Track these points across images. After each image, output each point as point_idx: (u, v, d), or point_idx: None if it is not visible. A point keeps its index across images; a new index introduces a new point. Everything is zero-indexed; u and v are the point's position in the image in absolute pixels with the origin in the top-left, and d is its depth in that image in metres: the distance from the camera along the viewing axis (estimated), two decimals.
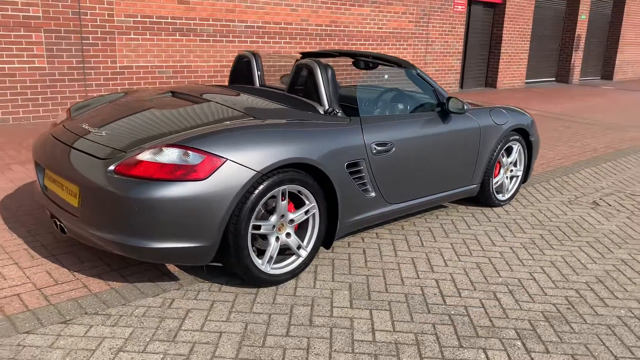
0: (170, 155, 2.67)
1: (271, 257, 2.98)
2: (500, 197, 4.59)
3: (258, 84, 3.99)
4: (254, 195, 2.78)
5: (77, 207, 2.81)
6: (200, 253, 2.75)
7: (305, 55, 4.61)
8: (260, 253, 3.01)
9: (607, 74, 17.92)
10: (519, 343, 2.60)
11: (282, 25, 9.16)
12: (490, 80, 13.73)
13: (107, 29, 7.35)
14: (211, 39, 8.39)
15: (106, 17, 7.30)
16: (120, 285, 2.96)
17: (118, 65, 7.56)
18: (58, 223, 3.00)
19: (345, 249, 3.57)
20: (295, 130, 3.03)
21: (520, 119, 4.56)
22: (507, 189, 4.68)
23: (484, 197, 4.47)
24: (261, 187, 2.80)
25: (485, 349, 2.53)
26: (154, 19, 7.70)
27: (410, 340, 2.57)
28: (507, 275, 3.33)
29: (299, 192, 3.03)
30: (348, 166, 3.24)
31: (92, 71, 7.35)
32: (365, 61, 4.15)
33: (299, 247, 3.09)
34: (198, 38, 8.24)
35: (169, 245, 2.67)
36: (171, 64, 8.04)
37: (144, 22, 7.63)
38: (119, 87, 7.65)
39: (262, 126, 2.94)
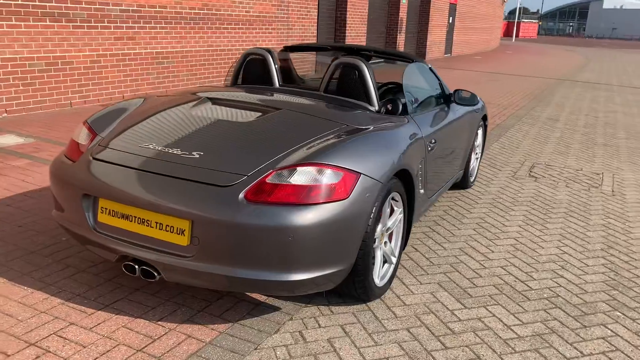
0: (307, 175, 2.38)
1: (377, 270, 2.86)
2: (471, 179, 4.95)
3: (278, 84, 3.67)
4: (376, 207, 2.63)
5: (186, 246, 2.36)
6: (336, 278, 2.52)
7: (289, 49, 4.36)
8: None
9: (421, 53, 19.89)
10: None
11: (157, 9, 8.38)
12: None
13: None
14: (85, 24, 7.32)
15: None
16: (228, 327, 2.56)
17: None
18: (138, 267, 2.47)
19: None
20: (393, 136, 2.92)
21: (483, 105, 4.94)
22: (475, 171, 5.06)
23: (463, 181, 4.77)
24: (381, 198, 2.66)
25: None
26: (19, 2, 6.46)
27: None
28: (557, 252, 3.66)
29: (393, 198, 2.93)
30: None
31: None
32: (368, 55, 4.09)
33: (391, 255, 3.01)
34: (71, 24, 7.13)
35: (312, 275, 2.40)
36: (43, 54, 6.84)
37: (7, 5, 6.35)
38: None
39: (373, 135, 2.77)
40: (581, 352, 2.54)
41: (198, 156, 2.51)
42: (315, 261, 2.37)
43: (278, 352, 2.41)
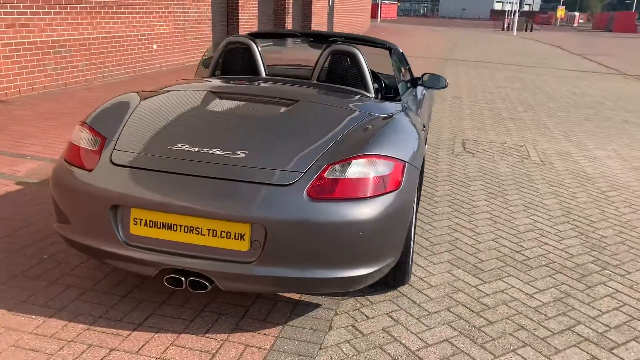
0: (362, 167, 2.34)
1: None
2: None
3: (264, 74, 3.51)
4: (416, 195, 2.67)
5: (247, 251, 2.23)
6: (387, 269, 2.52)
7: (253, 35, 4.19)
8: None
9: None
10: None
11: None
12: None
13: None
14: None
15: None
16: (279, 331, 2.47)
17: None
18: (185, 280, 2.29)
19: None
20: (412, 122, 2.95)
21: None
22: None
23: None
24: (418, 184, 2.70)
25: None
26: None
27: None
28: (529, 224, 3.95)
29: None
30: None
31: None
32: (339, 42, 4.06)
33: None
34: None
35: (374, 268, 2.39)
36: None
37: None
38: None
39: (399, 122, 2.78)
40: (600, 311, 2.81)
41: (244, 155, 2.36)
42: (378, 254, 2.37)
43: (344, 349, 2.38)
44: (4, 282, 2.75)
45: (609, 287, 3.06)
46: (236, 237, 2.23)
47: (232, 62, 3.48)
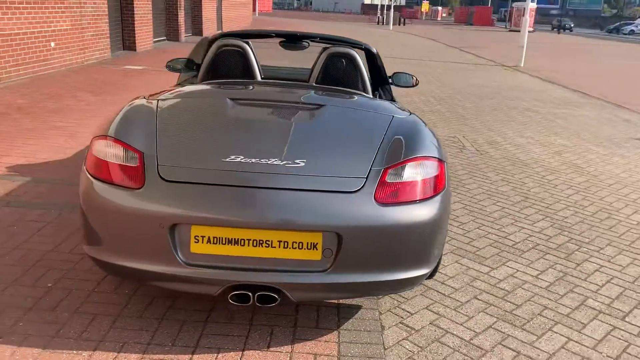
0: (416, 169, 2.42)
1: None
2: None
3: (260, 77, 3.41)
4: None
5: (320, 260, 2.21)
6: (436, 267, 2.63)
7: (224, 35, 4.06)
8: None
9: (198, 30, 19.46)
10: None
11: None
12: (128, 43, 13.21)
13: None
14: None
15: None
16: (335, 336, 2.48)
17: None
18: (252, 295, 2.22)
19: None
20: (424, 122, 3.06)
21: None
22: None
23: None
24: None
25: None
26: None
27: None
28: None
29: None
30: None
31: None
32: (311, 42, 4.06)
33: None
34: None
35: (430, 267, 2.47)
36: None
37: None
38: None
39: (420, 122, 2.86)
40: (598, 285, 3.14)
41: (303, 164, 2.33)
42: (435, 253, 2.46)
43: (407, 346, 2.46)
44: (19, 317, 2.46)
45: (594, 263, 3.42)
46: (308, 247, 2.21)
47: (225, 65, 3.36)
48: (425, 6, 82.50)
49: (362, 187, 2.29)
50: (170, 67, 4.19)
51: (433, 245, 2.41)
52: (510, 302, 2.89)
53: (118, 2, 12.73)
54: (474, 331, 2.61)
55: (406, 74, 4.27)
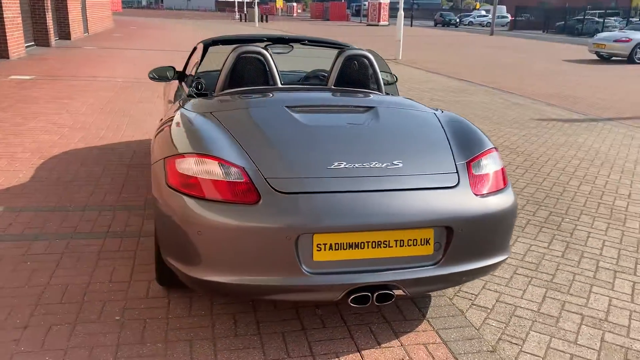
0: (490, 160, 2.63)
1: None
2: None
3: (280, 84, 3.37)
4: None
5: (432, 254, 2.34)
6: None
7: (216, 42, 3.95)
8: None
9: (65, 33, 17.96)
10: None
11: None
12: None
13: None
14: None
15: None
16: (430, 328, 2.63)
17: None
18: (372, 295, 2.29)
19: None
20: None
21: None
22: None
23: None
24: None
25: None
26: None
27: None
28: None
29: None
30: None
31: None
32: (296, 44, 4.10)
33: None
34: None
35: (509, 251, 2.70)
36: None
37: None
38: None
39: (464, 118, 3.07)
40: (598, 249, 3.60)
41: (401, 165, 2.43)
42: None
43: (494, 324, 2.67)
44: (114, 355, 2.28)
45: (582, 230, 3.91)
46: (422, 243, 2.32)
47: (247, 72, 3.29)
48: (279, 2, 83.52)
49: (459, 181, 2.45)
50: (154, 77, 4.03)
51: (512, 231, 2.64)
52: (544, 273, 3.22)
53: None
54: (536, 302, 2.90)
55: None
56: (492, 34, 34.19)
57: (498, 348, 2.49)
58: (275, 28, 34.66)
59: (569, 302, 2.91)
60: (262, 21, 44.68)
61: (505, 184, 2.60)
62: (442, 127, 2.81)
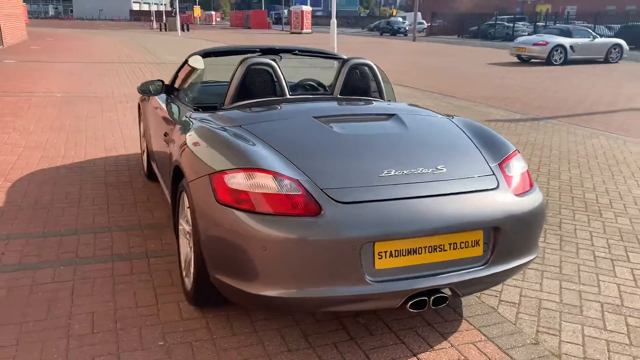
0: (516, 163, 2.75)
1: None
2: None
3: (288, 94, 3.33)
4: None
5: (481, 255, 2.42)
6: None
7: (209, 53, 3.87)
8: None
9: None
10: None
11: None
12: None
13: None
14: None
15: None
16: (470, 327, 2.71)
17: None
18: (429, 299, 2.34)
19: None
20: None
21: None
22: None
23: None
24: None
25: None
26: None
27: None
28: None
29: None
30: None
31: None
32: (292, 55, 4.10)
33: None
34: None
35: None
36: None
37: None
38: None
39: (478, 122, 3.19)
40: (586, 237, 3.84)
41: (445, 170, 2.50)
42: None
43: (527, 318, 2.80)
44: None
45: (567, 224, 4.15)
46: (472, 245, 2.40)
47: (256, 84, 3.25)
48: (197, 11, 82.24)
49: (499, 183, 2.55)
50: (144, 90, 3.90)
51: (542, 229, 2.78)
52: (552, 266, 3.40)
53: None
54: (555, 293, 3.05)
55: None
56: (414, 39, 35.39)
57: (540, 340, 2.61)
58: (198, 37, 34.11)
59: (585, 292, 3.09)
60: (183, 30, 43.77)
61: (531, 183, 2.73)
62: (464, 132, 2.91)
